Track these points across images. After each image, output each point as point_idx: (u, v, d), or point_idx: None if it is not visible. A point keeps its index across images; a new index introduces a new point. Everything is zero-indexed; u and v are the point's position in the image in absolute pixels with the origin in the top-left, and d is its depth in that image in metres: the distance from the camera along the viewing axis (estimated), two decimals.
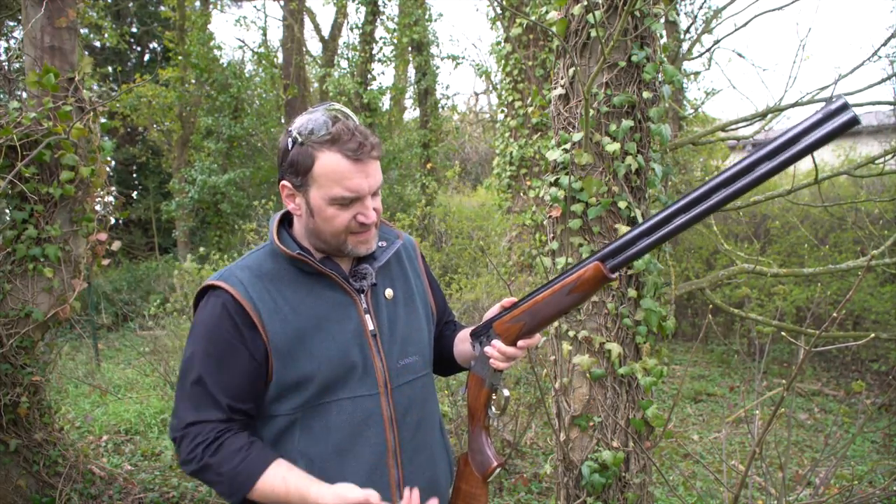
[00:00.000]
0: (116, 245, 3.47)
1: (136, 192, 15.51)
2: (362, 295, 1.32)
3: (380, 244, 1.38)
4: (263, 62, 12.91)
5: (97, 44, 14.09)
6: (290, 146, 1.23)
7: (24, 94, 3.19)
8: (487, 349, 1.31)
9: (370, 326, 1.31)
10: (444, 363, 1.56)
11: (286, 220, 1.38)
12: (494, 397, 1.37)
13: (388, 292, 1.37)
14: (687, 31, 5.84)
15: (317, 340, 1.25)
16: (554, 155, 2.36)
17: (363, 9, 10.04)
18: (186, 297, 4.82)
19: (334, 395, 1.26)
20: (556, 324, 2.37)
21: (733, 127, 3.26)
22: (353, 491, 1.14)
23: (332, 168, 1.19)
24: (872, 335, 2.05)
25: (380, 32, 10.28)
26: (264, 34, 13.61)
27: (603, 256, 1.16)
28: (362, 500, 1.13)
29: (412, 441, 1.33)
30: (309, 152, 1.20)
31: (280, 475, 1.19)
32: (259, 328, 1.23)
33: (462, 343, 1.48)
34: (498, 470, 1.36)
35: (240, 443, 1.22)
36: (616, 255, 1.15)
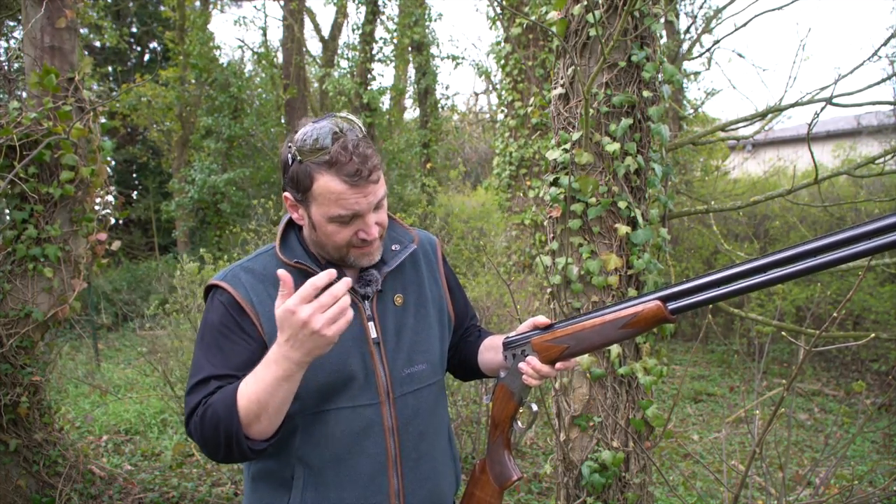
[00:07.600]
0: (116, 245, 3.47)
1: (136, 192, 15.50)
2: (367, 301, 1.30)
3: (392, 247, 1.36)
4: (263, 62, 12.91)
5: (97, 44, 14.09)
6: (290, 161, 1.20)
7: (24, 94, 3.19)
8: (522, 365, 1.28)
9: (373, 334, 1.29)
10: (465, 368, 1.53)
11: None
12: (522, 411, 1.35)
13: (398, 298, 1.34)
14: (687, 31, 5.85)
15: None
16: (554, 155, 2.36)
17: (363, 9, 10.04)
18: (187, 298, 4.82)
19: (334, 404, 1.25)
20: None
21: (733, 127, 3.26)
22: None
23: (329, 190, 1.17)
24: (872, 335, 2.06)
25: (380, 32, 10.28)
26: (264, 34, 13.63)
27: (665, 296, 1.11)
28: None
29: (415, 450, 1.31)
30: (308, 172, 1.17)
31: (246, 379, 1.13)
32: (258, 328, 1.23)
33: (488, 351, 1.45)
34: (517, 483, 1.36)
35: (219, 391, 1.18)
36: (679, 297, 1.10)
